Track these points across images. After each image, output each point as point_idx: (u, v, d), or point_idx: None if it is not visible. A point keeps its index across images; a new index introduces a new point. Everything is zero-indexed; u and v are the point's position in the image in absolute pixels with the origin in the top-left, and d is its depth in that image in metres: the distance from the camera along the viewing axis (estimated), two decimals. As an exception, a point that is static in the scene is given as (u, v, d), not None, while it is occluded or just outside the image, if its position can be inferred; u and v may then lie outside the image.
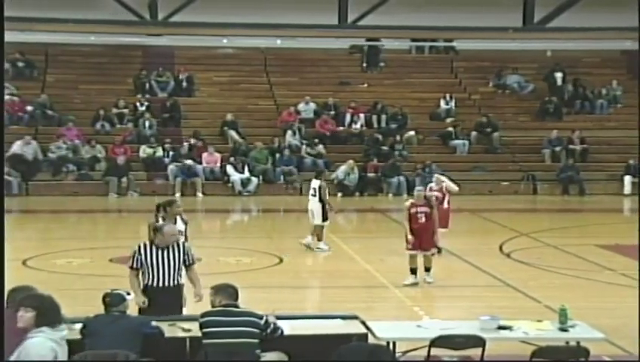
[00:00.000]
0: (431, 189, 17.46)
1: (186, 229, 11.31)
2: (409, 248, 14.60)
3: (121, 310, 8.41)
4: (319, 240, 18.04)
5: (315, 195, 18.14)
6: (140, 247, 9.79)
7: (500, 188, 29.14)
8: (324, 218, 18.01)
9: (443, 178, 18.02)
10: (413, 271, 14.61)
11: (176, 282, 9.81)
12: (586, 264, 16.70)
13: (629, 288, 13.94)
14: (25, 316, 6.94)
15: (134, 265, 9.75)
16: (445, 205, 17.19)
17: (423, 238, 14.52)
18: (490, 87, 34.83)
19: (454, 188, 17.89)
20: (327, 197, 18.26)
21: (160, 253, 9.72)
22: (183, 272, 9.91)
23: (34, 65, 32.66)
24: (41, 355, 6.75)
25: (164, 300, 9.55)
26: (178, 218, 11.24)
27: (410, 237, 14.46)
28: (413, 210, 14.61)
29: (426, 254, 14.69)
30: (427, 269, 14.76)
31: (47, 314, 6.94)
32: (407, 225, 14.62)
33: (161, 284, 9.68)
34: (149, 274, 9.69)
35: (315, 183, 18.35)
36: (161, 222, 10.76)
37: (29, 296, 7.18)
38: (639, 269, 14.40)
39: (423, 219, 14.54)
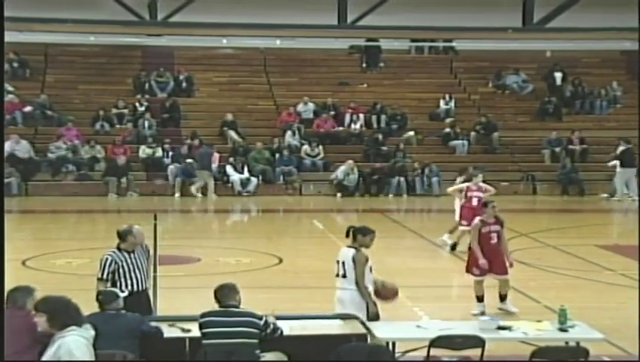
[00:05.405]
0: (469, 189, 17.51)
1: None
2: (477, 274, 12.51)
3: (115, 308, 8.36)
4: (450, 233, 18.07)
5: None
6: (111, 256, 9.69)
7: (499, 188, 28.78)
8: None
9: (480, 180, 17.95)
10: (481, 299, 12.56)
11: (145, 286, 9.80)
12: (585, 264, 16.67)
13: (628, 288, 13.93)
14: (40, 321, 7.14)
15: (105, 276, 9.61)
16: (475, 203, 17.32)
17: (495, 261, 12.44)
18: (489, 87, 34.82)
19: (492, 189, 18.05)
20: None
21: (129, 257, 9.72)
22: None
23: (33, 65, 32.65)
24: (83, 352, 6.92)
25: (136, 306, 9.25)
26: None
27: (483, 261, 12.34)
28: (485, 230, 12.49)
29: (499, 278, 12.61)
30: (504, 297, 12.63)
31: (58, 316, 7.09)
32: (477, 247, 12.45)
33: (132, 289, 9.58)
34: (121, 280, 9.60)
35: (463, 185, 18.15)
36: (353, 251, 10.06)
37: (41, 300, 7.34)
38: (639, 269, 14.40)
39: (496, 239, 12.51)
